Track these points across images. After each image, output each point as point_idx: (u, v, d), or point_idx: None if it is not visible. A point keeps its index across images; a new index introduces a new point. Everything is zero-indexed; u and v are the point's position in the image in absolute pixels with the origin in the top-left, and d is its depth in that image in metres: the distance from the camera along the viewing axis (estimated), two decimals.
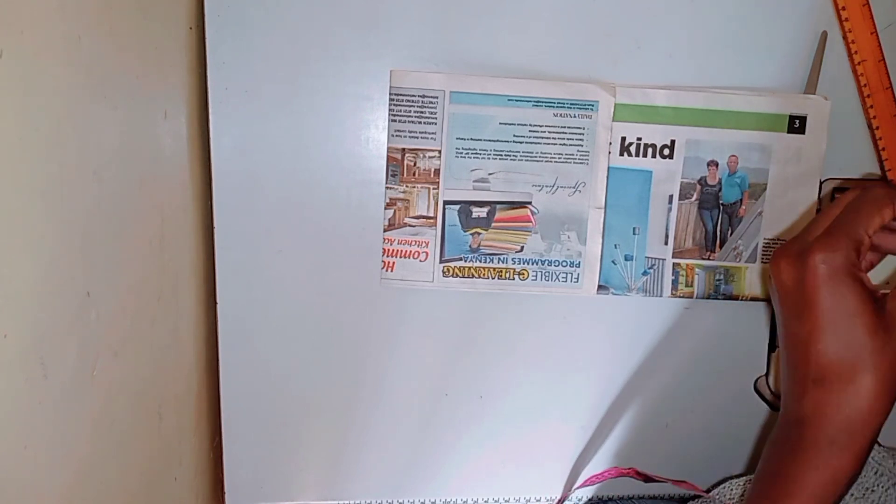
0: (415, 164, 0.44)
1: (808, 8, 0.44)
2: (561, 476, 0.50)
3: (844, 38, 0.43)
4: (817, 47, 0.45)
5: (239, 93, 0.43)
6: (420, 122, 0.43)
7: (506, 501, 0.50)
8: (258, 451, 0.47)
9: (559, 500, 0.49)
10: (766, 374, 0.49)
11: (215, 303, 0.45)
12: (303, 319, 0.46)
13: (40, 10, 0.26)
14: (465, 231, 0.45)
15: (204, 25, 0.42)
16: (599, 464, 0.50)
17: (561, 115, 0.44)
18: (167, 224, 0.40)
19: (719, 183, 0.45)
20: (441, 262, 0.45)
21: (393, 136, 0.43)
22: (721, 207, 0.46)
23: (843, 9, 0.43)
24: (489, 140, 0.44)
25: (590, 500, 0.51)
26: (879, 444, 0.43)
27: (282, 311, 0.46)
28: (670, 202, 0.45)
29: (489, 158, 0.44)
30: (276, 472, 0.48)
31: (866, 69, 0.43)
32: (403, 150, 0.44)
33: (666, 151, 0.45)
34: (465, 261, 0.45)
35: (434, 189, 0.44)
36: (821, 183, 0.46)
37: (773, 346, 0.49)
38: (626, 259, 0.46)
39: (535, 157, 0.44)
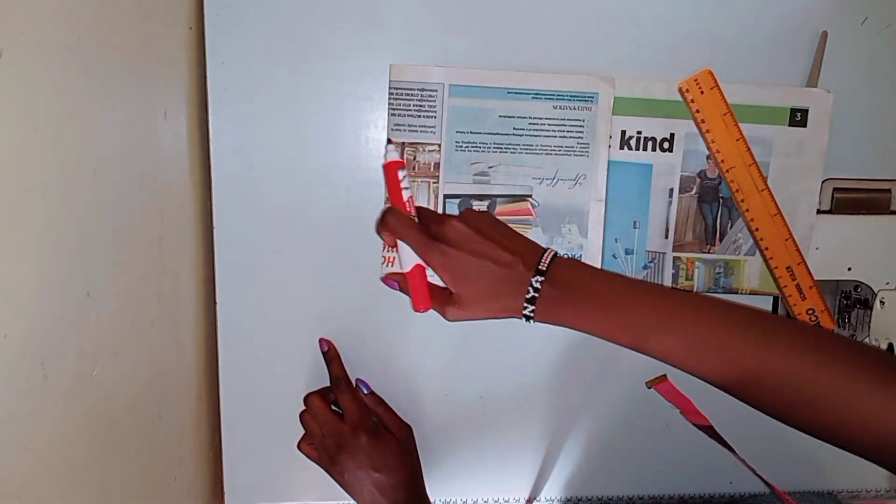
0: (415, 159, 0.44)
1: (808, 6, 0.44)
2: (562, 475, 0.50)
3: (709, 147, 0.44)
4: (818, 47, 0.44)
5: (239, 92, 0.43)
6: (420, 116, 0.43)
7: (505, 502, 0.50)
8: (258, 451, 0.47)
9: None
10: None
11: (215, 303, 0.45)
12: (303, 319, 0.46)
13: (40, 10, 0.26)
14: None
15: (203, 25, 0.42)
16: (601, 462, 0.50)
17: (560, 107, 0.44)
18: (167, 224, 0.40)
19: (719, 176, 0.45)
20: None
21: (392, 130, 0.43)
22: (721, 201, 0.46)
23: (703, 121, 0.43)
24: (489, 133, 0.44)
25: (589, 499, 0.50)
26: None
27: (282, 310, 0.45)
28: (670, 196, 0.45)
29: (489, 151, 0.44)
30: (276, 473, 0.48)
31: (736, 176, 0.44)
32: (403, 144, 0.44)
33: (666, 145, 0.45)
34: None
35: (434, 183, 0.44)
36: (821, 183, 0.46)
37: None
38: (626, 253, 0.46)
39: (535, 149, 0.44)
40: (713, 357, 0.34)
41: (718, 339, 0.34)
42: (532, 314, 0.37)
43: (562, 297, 0.36)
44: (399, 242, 0.40)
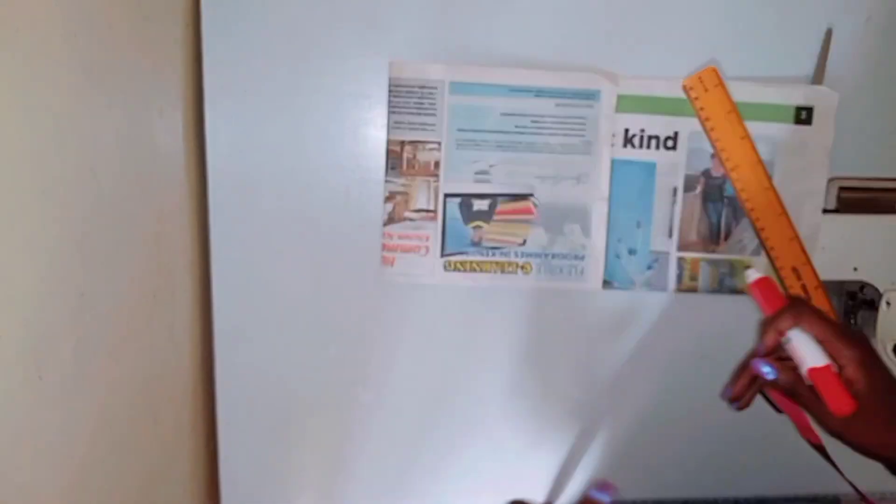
0: (414, 157, 0.43)
1: (812, 4, 0.44)
2: (563, 476, 0.49)
3: (714, 146, 0.43)
4: (822, 45, 0.44)
5: (235, 91, 0.42)
6: (419, 114, 0.43)
7: None
8: (254, 453, 0.47)
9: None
10: None
11: (211, 303, 0.45)
12: (300, 319, 0.45)
13: (37, 8, 0.26)
14: (466, 224, 0.44)
15: (200, 23, 0.41)
16: (604, 464, 0.49)
17: (563, 104, 0.43)
18: (163, 223, 0.40)
19: (723, 175, 0.45)
20: (442, 256, 0.44)
21: (392, 128, 0.43)
22: (725, 200, 0.45)
23: (707, 119, 0.43)
24: (490, 131, 0.43)
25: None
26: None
27: (278, 311, 0.45)
28: (674, 195, 0.45)
29: (490, 150, 0.43)
30: (272, 475, 0.47)
31: (741, 174, 0.43)
32: (403, 142, 0.43)
33: (669, 143, 0.44)
34: (467, 255, 0.45)
35: (434, 182, 0.44)
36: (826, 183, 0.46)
37: None
38: (629, 253, 0.45)
39: (537, 147, 0.44)
40: None
41: None
42: None
43: None
44: (797, 339, 0.34)
